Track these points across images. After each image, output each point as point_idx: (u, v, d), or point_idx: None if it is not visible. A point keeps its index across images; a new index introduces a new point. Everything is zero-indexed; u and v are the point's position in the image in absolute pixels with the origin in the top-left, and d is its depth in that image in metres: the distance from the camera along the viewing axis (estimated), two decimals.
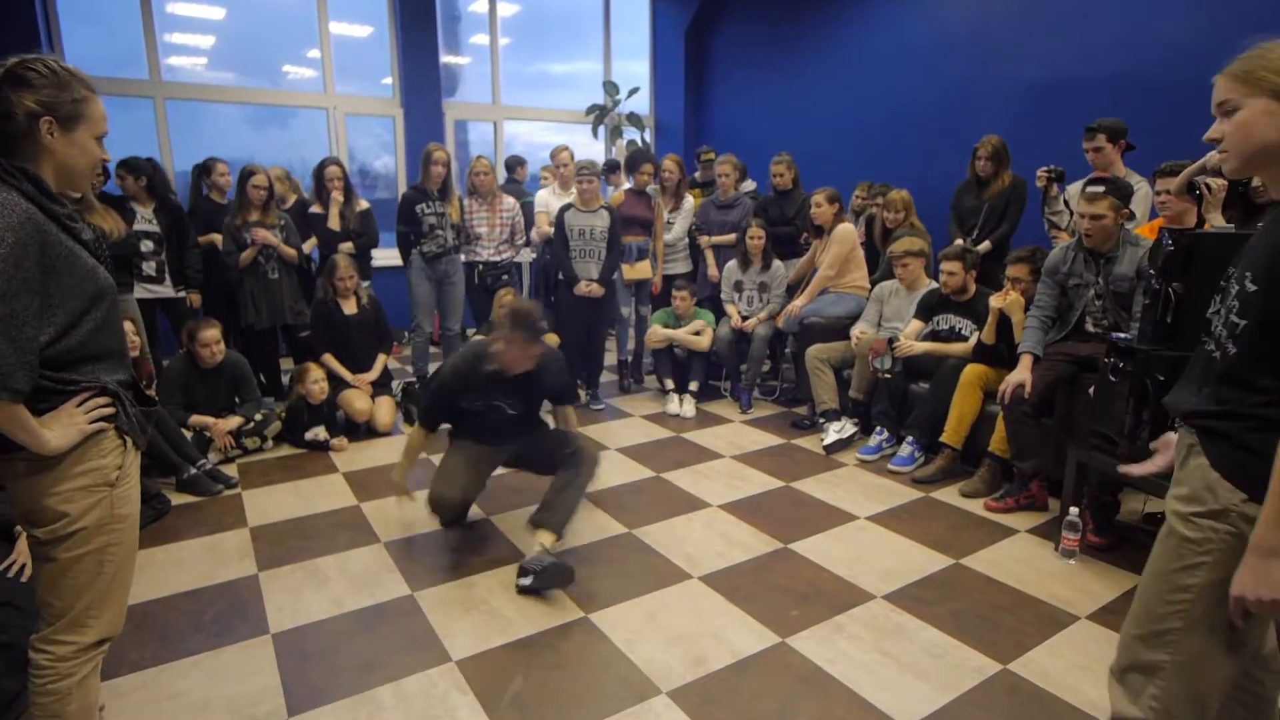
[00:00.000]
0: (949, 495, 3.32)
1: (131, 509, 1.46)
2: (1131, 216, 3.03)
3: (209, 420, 3.63)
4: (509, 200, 4.90)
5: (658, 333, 4.68)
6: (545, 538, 2.57)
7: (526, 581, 2.47)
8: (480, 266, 4.82)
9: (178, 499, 3.23)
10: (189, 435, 3.53)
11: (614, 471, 3.61)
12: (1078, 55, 4.71)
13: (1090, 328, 3.04)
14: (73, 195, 1.48)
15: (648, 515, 3.11)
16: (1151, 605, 1.30)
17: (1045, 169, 3.79)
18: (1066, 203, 3.75)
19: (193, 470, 3.33)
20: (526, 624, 2.31)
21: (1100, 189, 2.88)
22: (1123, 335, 2.61)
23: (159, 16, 5.84)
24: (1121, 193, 2.90)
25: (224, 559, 2.72)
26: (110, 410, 1.39)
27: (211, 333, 3.66)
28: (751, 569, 2.66)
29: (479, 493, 3.03)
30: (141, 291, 4.19)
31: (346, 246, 4.53)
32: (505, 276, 4.85)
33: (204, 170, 4.78)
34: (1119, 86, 4.49)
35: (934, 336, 3.76)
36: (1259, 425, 1.16)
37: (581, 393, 4.73)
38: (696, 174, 5.82)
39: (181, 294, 4.40)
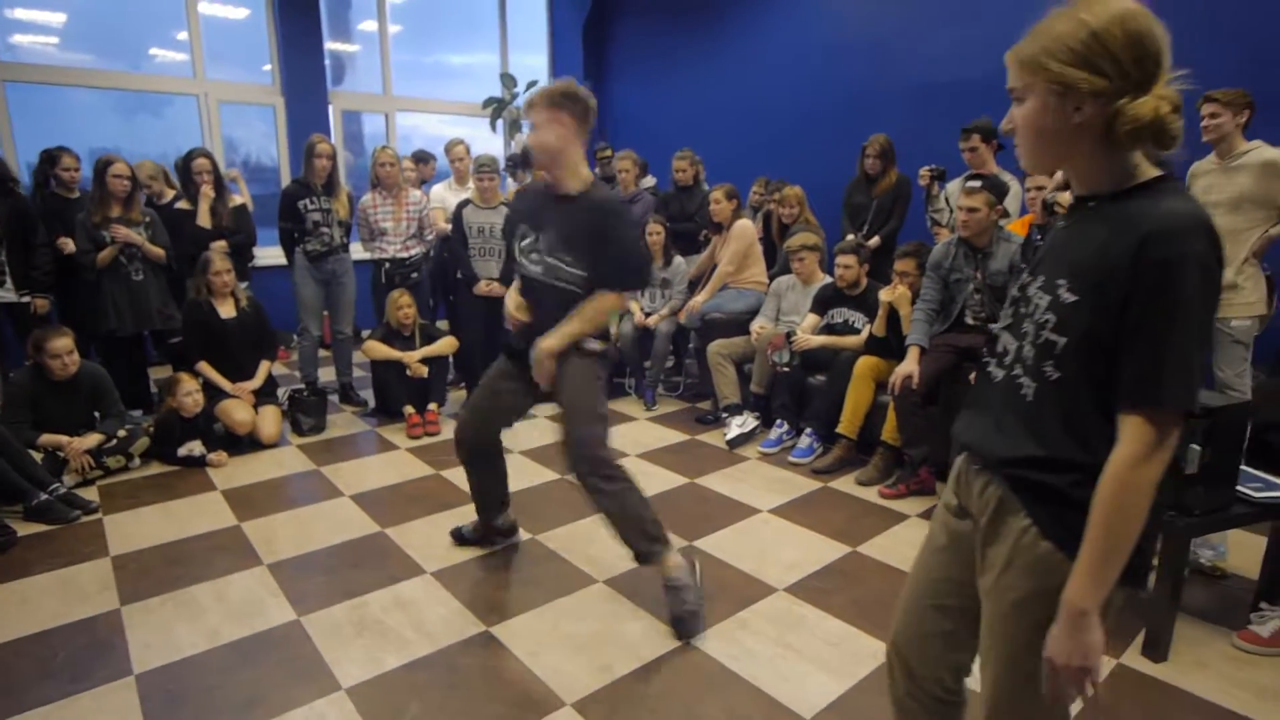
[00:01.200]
0: (846, 484, 3.43)
1: None
2: (1005, 214, 3.20)
3: (62, 439, 3.28)
4: (415, 193, 4.68)
5: None
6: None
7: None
8: (387, 264, 4.57)
9: (26, 529, 2.90)
10: (39, 457, 3.18)
11: (517, 475, 3.48)
12: (956, 59, 4.96)
13: (970, 320, 3.20)
14: None
15: (552, 520, 3.04)
16: (1016, 694, 1.11)
17: (927, 168, 3.97)
18: (947, 200, 3.94)
19: (43, 496, 3.00)
20: (424, 643, 2.21)
21: (978, 184, 3.04)
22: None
23: None
24: (997, 190, 3.06)
25: (80, 593, 2.46)
26: None
27: (62, 342, 3.30)
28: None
29: (502, 425, 2.59)
30: None
31: (220, 245, 4.20)
32: (415, 274, 4.61)
33: (49, 161, 4.31)
34: (995, 88, 4.76)
35: (829, 330, 3.87)
36: (1092, 477, 0.97)
37: None
38: (596, 170, 5.76)
39: (25, 299, 3.96)
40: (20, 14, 5.57)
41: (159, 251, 4.05)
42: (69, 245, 4.04)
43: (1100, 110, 0.96)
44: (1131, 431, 0.95)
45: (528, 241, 2.35)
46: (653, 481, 3.45)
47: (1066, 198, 2.68)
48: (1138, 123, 0.93)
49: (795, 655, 2.16)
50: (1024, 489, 1.06)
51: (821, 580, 2.59)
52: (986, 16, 4.76)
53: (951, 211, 3.93)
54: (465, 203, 4.43)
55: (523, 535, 2.91)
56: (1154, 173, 1.00)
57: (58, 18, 5.82)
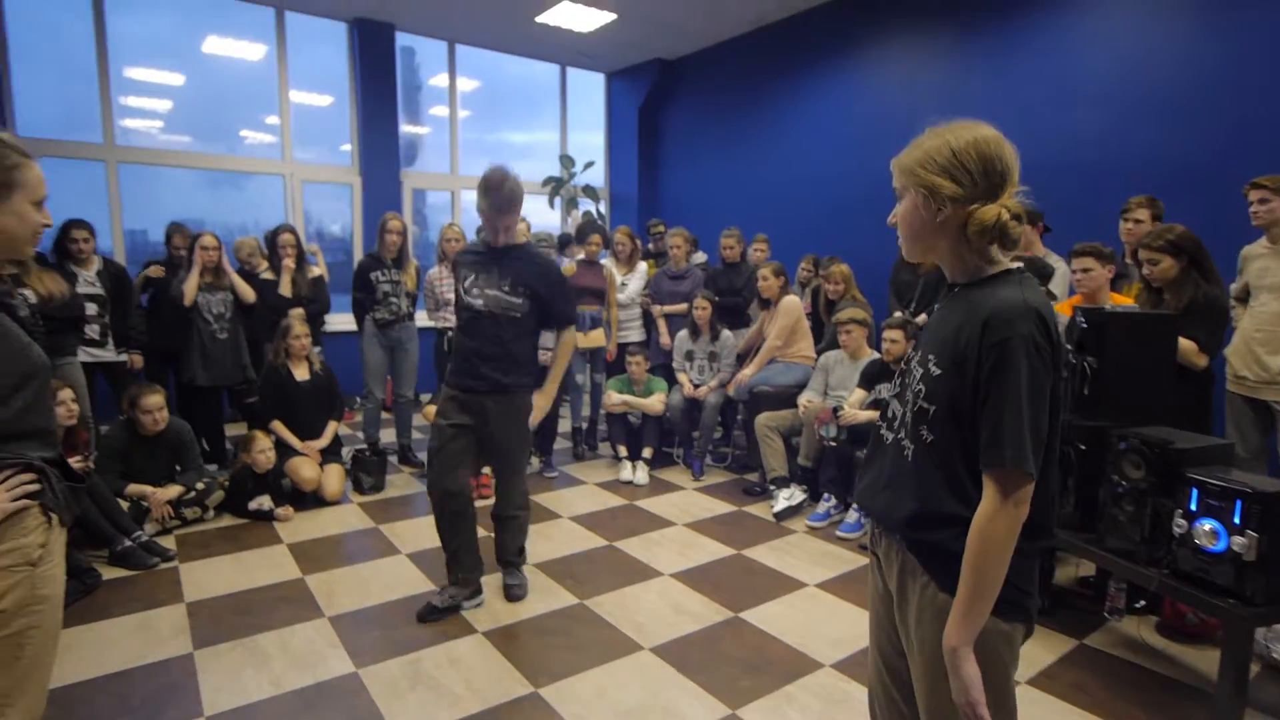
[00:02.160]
0: None
1: (54, 589, 1.40)
2: (1052, 296, 3.25)
3: (147, 489, 3.51)
4: None
5: (613, 397, 4.74)
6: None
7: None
8: (450, 332, 4.84)
9: (109, 573, 3.10)
10: (125, 505, 3.40)
11: (566, 540, 3.60)
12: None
13: None
14: (15, 261, 1.45)
15: (600, 585, 3.10)
16: None
17: None
18: None
19: (127, 542, 3.20)
20: (474, 700, 2.27)
21: (1019, 265, 3.11)
22: None
23: (116, 80, 5.87)
24: (1039, 272, 3.13)
25: (157, 637, 2.61)
26: (35, 486, 1.34)
27: (155, 399, 3.57)
28: (702, 639, 2.67)
29: (470, 473, 3.00)
30: (83, 355, 4.09)
31: (297, 313, 4.52)
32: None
33: (166, 237, 4.82)
34: (1033, 172, 4.84)
35: (876, 405, 3.91)
36: (966, 529, 1.11)
37: (535, 460, 4.72)
38: (650, 245, 6.01)
39: (123, 357, 4.31)
40: (132, 101, 6.20)
41: (248, 291, 4.44)
42: (157, 270, 4.62)
43: (956, 213, 1.16)
44: (987, 489, 1.11)
45: (470, 280, 2.85)
46: (699, 551, 3.48)
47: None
48: (983, 225, 1.14)
49: None
50: (918, 549, 1.20)
51: None
52: (1023, 102, 4.92)
53: None
54: None
55: (571, 600, 2.97)
56: (1004, 266, 1.19)
57: (164, 104, 6.46)
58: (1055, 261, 3.76)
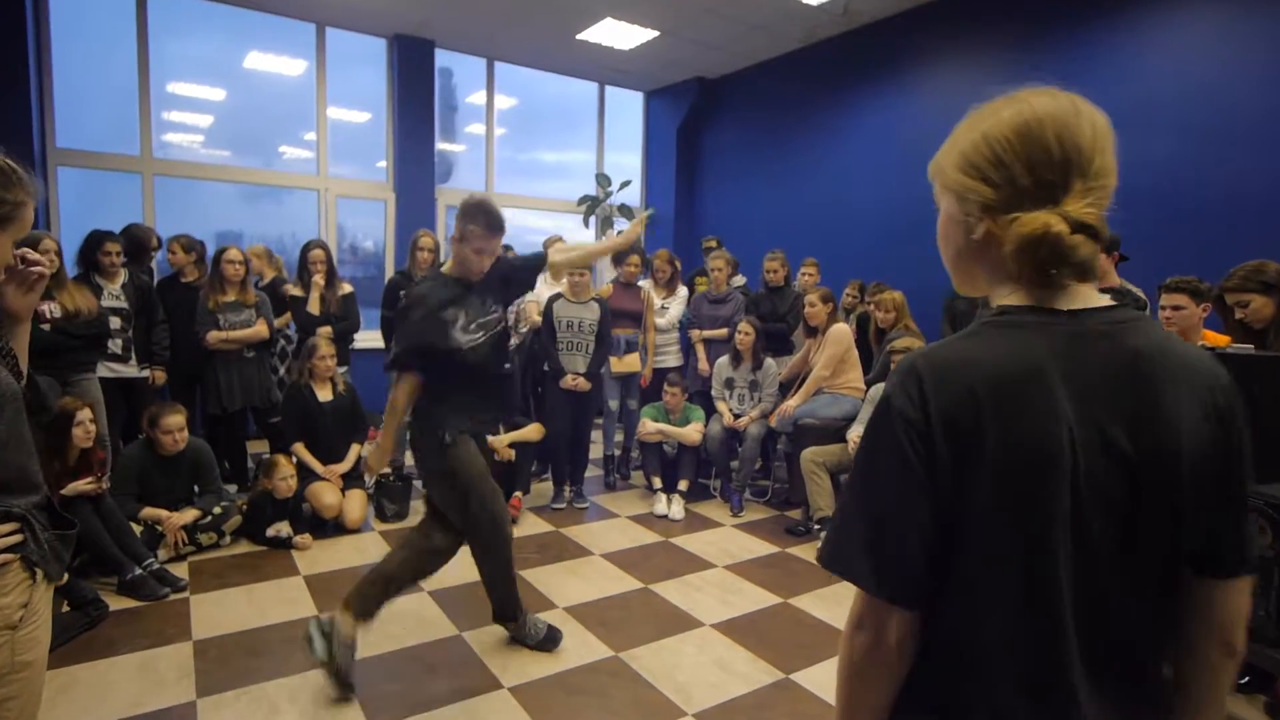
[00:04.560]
0: None
1: (38, 653, 1.23)
2: None
3: (162, 513, 3.36)
4: None
5: (648, 425, 4.51)
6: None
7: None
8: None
9: (117, 603, 2.93)
10: (138, 529, 3.25)
11: (598, 581, 3.36)
12: None
13: None
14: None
15: (635, 635, 2.85)
16: None
17: None
18: None
19: (138, 570, 3.03)
20: None
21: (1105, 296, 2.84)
22: None
23: (157, 94, 5.86)
24: (1128, 303, 2.84)
25: (159, 681, 2.42)
26: (16, 539, 1.18)
27: (176, 419, 3.43)
28: (750, 704, 2.41)
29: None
30: (104, 370, 3.98)
31: (325, 331, 4.38)
32: (507, 365, 4.66)
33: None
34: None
35: None
36: None
37: (565, 489, 4.51)
38: (705, 262, 5.81)
39: (145, 373, 4.19)
40: (175, 116, 6.20)
41: (264, 332, 4.27)
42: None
43: (994, 225, 0.80)
44: None
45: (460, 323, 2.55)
46: (742, 599, 3.22)
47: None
48: (1019, 241, 0.76)
49: None
50: None
51: None
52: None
53: None
54: (556, 296, 4.49)
55: (605, 652, 2.72)
56: (1007, 303, 0.81)
57: (205, 119, 6.46)
58: (1137, 294, 3.47)
